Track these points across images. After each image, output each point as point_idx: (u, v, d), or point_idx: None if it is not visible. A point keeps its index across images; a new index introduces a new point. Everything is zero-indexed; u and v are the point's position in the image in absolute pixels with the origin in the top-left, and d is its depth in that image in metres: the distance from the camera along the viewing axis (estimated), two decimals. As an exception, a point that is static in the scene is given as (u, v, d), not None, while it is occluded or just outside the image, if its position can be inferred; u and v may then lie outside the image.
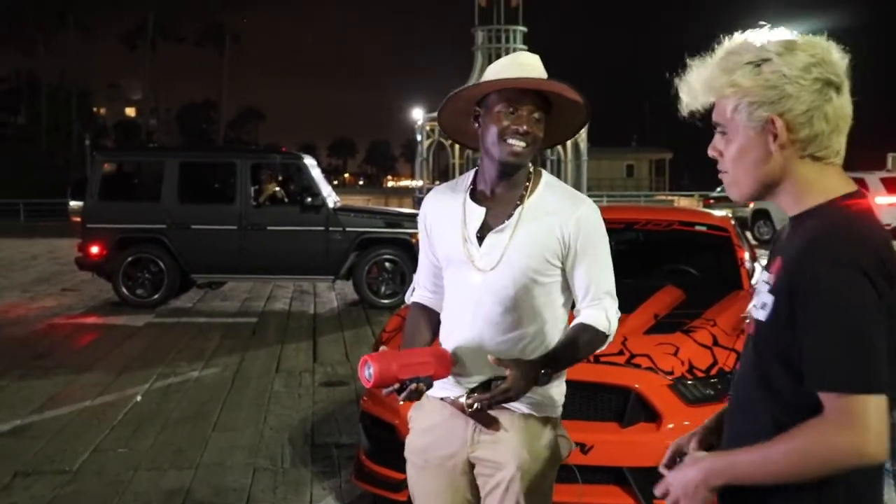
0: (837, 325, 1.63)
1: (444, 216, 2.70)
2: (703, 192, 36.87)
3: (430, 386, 2.50)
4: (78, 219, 12.59)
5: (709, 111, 1.87)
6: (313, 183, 12.23)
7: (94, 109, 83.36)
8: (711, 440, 2.04)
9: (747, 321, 1.92)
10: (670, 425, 4.15)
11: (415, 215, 11.11)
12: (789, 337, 1.69)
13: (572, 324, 2.62)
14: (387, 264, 12.07)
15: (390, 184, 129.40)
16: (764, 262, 1.99)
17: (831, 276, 1.64)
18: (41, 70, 64.61)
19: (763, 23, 1.84)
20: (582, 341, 2.57)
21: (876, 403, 1.62)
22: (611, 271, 2.65)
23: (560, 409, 2.72)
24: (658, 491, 1.85)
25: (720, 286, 5.61)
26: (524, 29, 37.37)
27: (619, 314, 2.65)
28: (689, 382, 4.29)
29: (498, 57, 37.66)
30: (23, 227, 32.66)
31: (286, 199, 12.51)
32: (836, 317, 1.63)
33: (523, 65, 2.56)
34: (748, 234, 22.27)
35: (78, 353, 9.17)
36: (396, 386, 2.44)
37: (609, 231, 7.28)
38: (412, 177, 49.98)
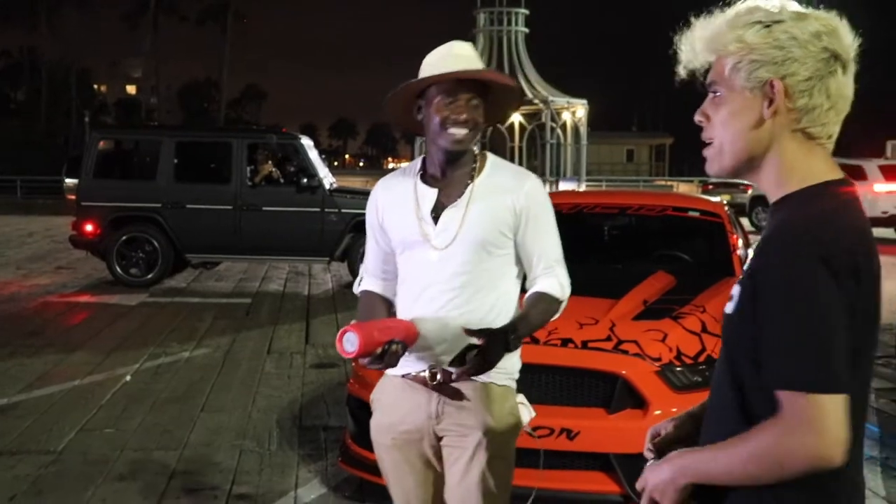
0: (795, 321, 1.54)
1: (397, 201, 2.81)
2: (703, 177, 36.80)
3: (405, 349, 2.59)
4: (73, 196, 12.55)
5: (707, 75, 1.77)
6: (309, 164, 12.18)
7: (95, 87, 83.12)
8: (689, 428, 1.96)
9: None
10: (657, 412, 4.11)
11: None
12: (752, 330, 1.61)
13: (529, 293, 2.78)
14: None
15: (391, 165, 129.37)
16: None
17: (793, 269, 1.55)
18: (43, 47, 64.36)
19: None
20: (541, 308, 2.73)
21: (833, 404, 1.53)
22: (559, 242, 2.80)
23: (515, 380, 2.84)
24: (638, 486, 1.81)
25: (712, 272, 5.56)
26: (526, 11, 37.19)
27: (569, 280, 2.79)
28: (678, 369, 4.26)
29: (500, 40, 37.56)
30: (20, 203, 32.60)
31: (282, 180, 12.46)
32: (795, 311, 1.54)
33: (458, 56, 2.70)
34: (746, 221, 22.23)
35: (69, 332, 9.14)
36: (378, 351, 2.51)
37: (602, 216, 7.23)
38: (412, 158, 49.82)
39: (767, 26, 1.65)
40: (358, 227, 11.97)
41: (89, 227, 12.16)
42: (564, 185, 31.69)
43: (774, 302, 1.57)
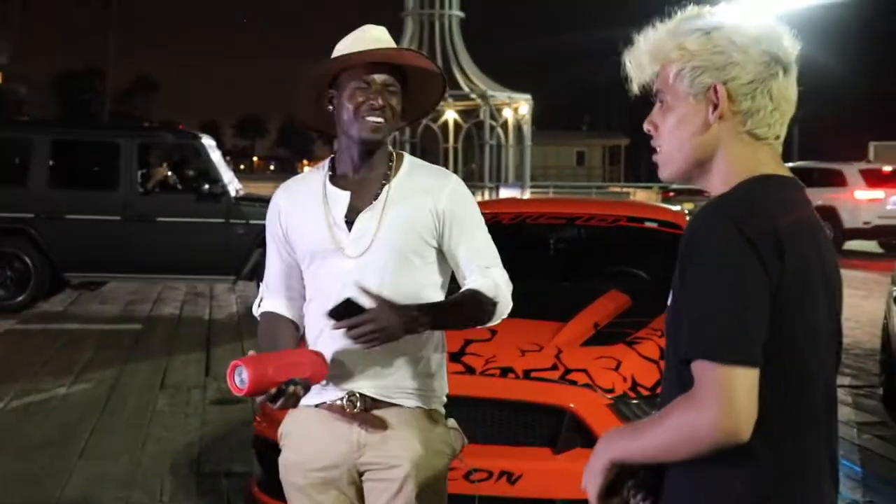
0: (708, 289, 1.74)
1: (303, 208, 2.84)
2: (664, 184, 37.40)
3: (307, 389, 2.60)
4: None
5: None
6: (212, 167, 12.11)
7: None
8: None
9: None
10: (610, 451, 4.15)
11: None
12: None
13: (458, 292, 2.81)
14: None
15: (306, 169, 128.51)
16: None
17: (712, 243, 1.76)
18: None
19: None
20: (467, 303, 2.75)
21: (743, 376, 1.70)
22: (491, 243, 2.87)
23: (443, 403, 2.89)
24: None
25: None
26: (461, -7, 37.39)
27: (510, 285, 2.84)
28: (633, 402, 4.31)
29: (431, 24, 37.70)
30: None
31: (179, 186, 12.35)
32: (711, 282, 1.74)
33: (373, 39, 2.77)
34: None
35: (-78, 366, 8.92)
36: (273, 391, 2.51)
37: (548, 227, 7.31)
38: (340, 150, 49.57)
39: (707, 33, 1.88)
40: (269, 241, 11.89)
41: (-55, 242, 11.90)
42: (506, 192, 31.90)
43: (691, 276, 1.77)
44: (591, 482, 1.90)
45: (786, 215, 1.83)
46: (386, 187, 2.80)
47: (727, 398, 1.69)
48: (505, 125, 38.04)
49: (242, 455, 6.15)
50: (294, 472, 2.82)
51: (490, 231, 2.95)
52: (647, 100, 2.03)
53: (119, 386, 8.21)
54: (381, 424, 2.75)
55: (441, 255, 2.84)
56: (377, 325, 2.54)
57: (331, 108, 2.80)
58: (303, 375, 2.56)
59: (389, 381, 2.76)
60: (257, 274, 11.99)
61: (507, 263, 2.90)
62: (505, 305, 2.82)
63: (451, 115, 37.94)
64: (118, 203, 11.92)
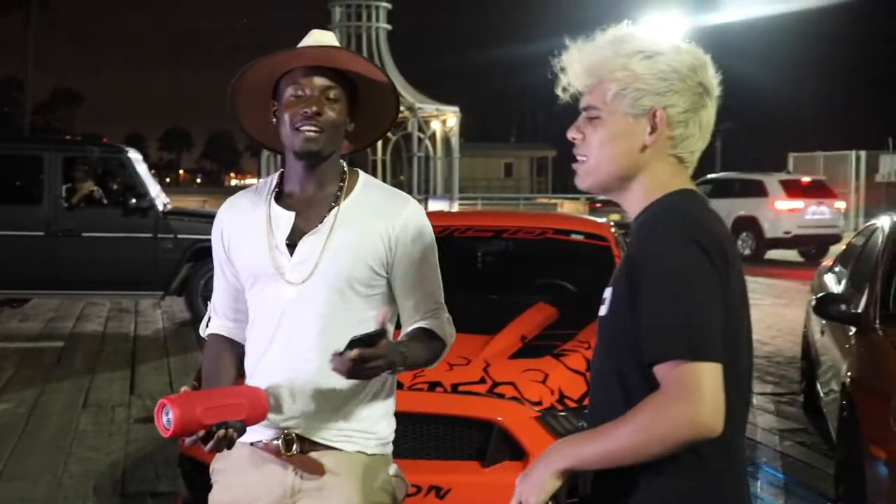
0: (670, 294, 1.83)
1: (246, 226, 2.64)
2: (591, 195, 37.78)
3: (242, 432, 2.40)
4: None
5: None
6: (139, 181, 11.95)
7: None
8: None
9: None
10: (538, 464, 4.16)
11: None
12: (631, 321, 1.87)
13: (410, 328, 2.63)
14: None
15: (233, 182, 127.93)
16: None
17: (665, 249, 1.86)
18: None
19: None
20: (427, 345, 2.60)
21: (710, 372, 1.79)
22: (440, 280, 2.70)
23: (391, 446, 2.72)
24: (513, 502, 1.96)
25: (598, 303, 5.68)
26: (388, 5, 37.43)
27: (453, 328, 2.71)
28: (560, 414, 4.33)
29: (359, 37, 37.62)
30: None
31: (106, 201, 12.16)
32: (669, 285, 1.83)
33: (313, 42, 2.55)
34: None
35: None
36: (201, 434, 2.31)
37: (475, 240, 7.31)
38: (259, 174, 49.57)
39: (650, 56, 1.98)
40: (198, 255, 11.77)
41: None
42: (434, 205, 31.94)
43: (649, 283, 1.85)
44: (533, 493, 1.91)
45: (719, 226, 1.96)
46: (334, 209, 2.57)
47: (700, 393, 1.77)
48: (433, 137, 38.11)
49: (168, 474, 6.06)
50: None
51: None
52: (574, 111, 2.08)
53: (40, 405, 8.03)
54: (318, 470, 2.54)
55: (389, 286, 2.62)
56: (384, 361, 2.34)
57: (275, 120, 2.59)
58: (237, 417, 2.36)
59: (329, 423, 2.55)
60: (187, 289, 11.87)
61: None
62: (446, 350, 2.69)
63: (378, 128, 37.89)
64: (42, 218, 11.69)
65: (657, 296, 1.84)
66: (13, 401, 8.18)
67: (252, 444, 2.59)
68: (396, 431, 3.96)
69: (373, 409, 2.62)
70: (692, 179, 2.09)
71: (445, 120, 37.93)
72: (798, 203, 21.93)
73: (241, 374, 2.73)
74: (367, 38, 36.98)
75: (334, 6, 37.68)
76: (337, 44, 2.60)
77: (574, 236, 6.38)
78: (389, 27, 37.59)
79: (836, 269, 8.01)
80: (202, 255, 11.79)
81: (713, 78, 2.04)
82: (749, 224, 22.00)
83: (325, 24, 38.00)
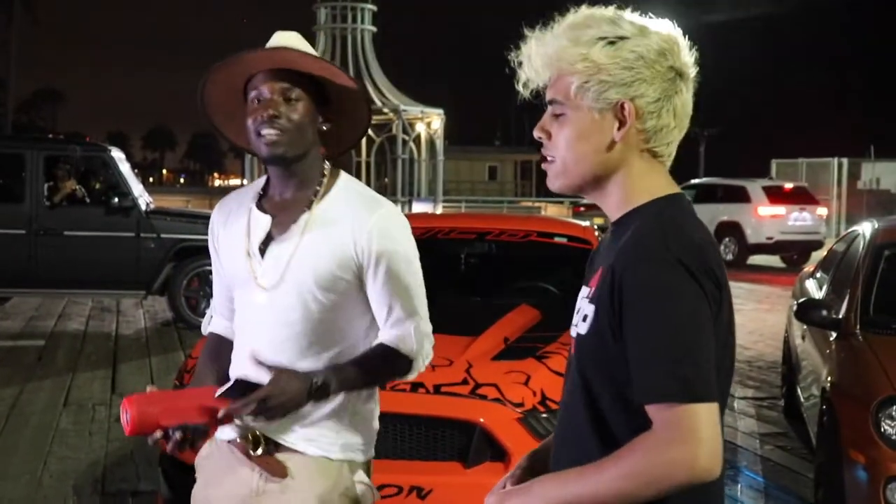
0: (663, 330, 1.69)
1: (229, 230, 2.66)
2: (574, 198, 37.86)
3: (204, 435, 2.43)
4: None
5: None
6: (121, 180, 11.90)
7: None
8: (540, 468, 2.05)
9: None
10: (520, 465, 4.17)
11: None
12: (613, 349, 1.75)
13: (374, 343, 2.60)
14: (210, 276, 11.82)
15: (217, 182, 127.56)
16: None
17: (657, 277, 1.71)
18: None
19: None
20: (376, 361, 2.57)
21: (707, 413, 1.67)
22: (420, 287, 2.62)
23: (369, 454, 2.70)
24: None
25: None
26: (373, 8, 37.44)
27: (431, 339, 2.65)
28: (542, 416, 4.34)
29: (344, 39, 37.58)
30: None
31: (88, 199, 12.11)
32: (662, 321, 1.69)
33: (275, 44, 2.52)
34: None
35: None
36: (158, 434, 2.34)
37: (459, 242, 7.31)
38: (242, 175, 49.44)
39: (612, 43, 1.80)
40: (180, 255, 11.74)
41: None
42: (419, 207, 31.97)
43: (639, 312, 1.71)
44: None
45: (713, 252, 1.80)
46: (305, 214, 2.54)
47: (699, 435, 1.66)
48: (417, 139, 38.12)
49: (149, 473, 6.04)
50: None
51: None
52: (531, 99, 1.95)
53: (20, 404, 7.99)
54: (282, 472, 2.54)
55: (363, 291, 2.59)
56: (276, 399, 2.36)
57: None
58: (197, 420, 2.37)
59: (293, 426, 2.54)
60: (169, 288, 11.84)
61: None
62: (423, 358, 2.64)
63: (363, 130, 37.88)
64: (23, 217, 11.63)
65: (647, 329, 1.70)
66: (-7, 399, 8.14)
67: (229, 441, 2.62)
68: (380, 432, 3.96)
69: (340, 417, 2.59)
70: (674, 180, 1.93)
71: (430, 122, 37.95)
72: (780, 209, 22.03)
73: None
74: (352, 40, 36.98)
75: (319, 8, 37.68)
76: (302, 43, 2.56)
77: (557, 239, 6.40)
78: (375, 29, 37.59)
79: (818, 274, 8.06)
80: (185, 254, 11.77)
81: (687, 58, 1.85)
82: (732, 229, 22.08)
83: (310, 26, 37.99)
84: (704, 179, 27.08)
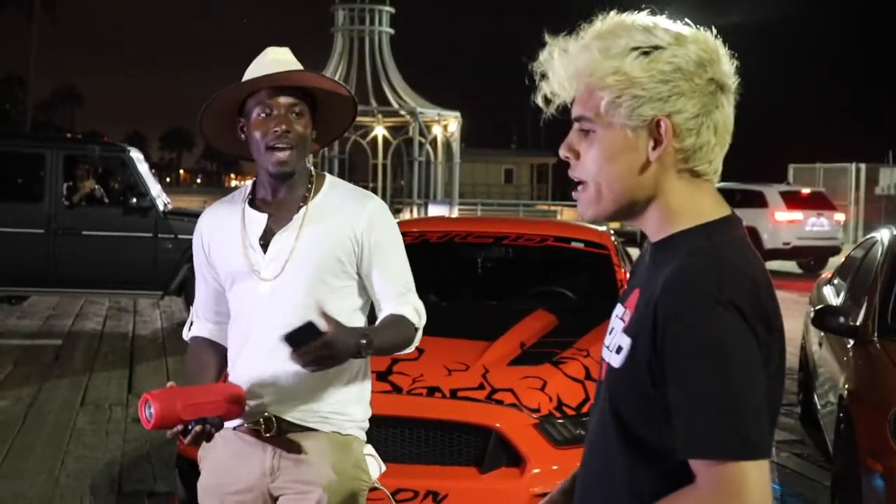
0: (712, 381, 1.55)
1: (223, 229, 2.83)
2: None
3: (219, 427, 2.57)
4: None
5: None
6: (140, 180, 11.94)
7: None
8: None
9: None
10: (536, 470, 4.17)
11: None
12: (650, 390, 1.62)
13: (383, 316, 2.79)
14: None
15: (233, 183, 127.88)
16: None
17: (705, 320, 1.56)
18: None
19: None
20: (397, 328, 2.75)
21: (756, 471, 1.54)
22: (408, 268, 2.85)
23: (364, 431, 2.87)
24: None
25: (597, 311, 5.68)
26: (391, 9, 37.51)
27: (424, 309, 2.84)
28: (558, 421, 4.34)
29: (361, 40, 37.61)
30: None
31: (106, 199, 12.16)
32: (711, 370, 1.55)
33: (276, 62, 2.72)
34: (637, 252, 22.80)
35: None
36: (180, 428, 2.49)
37: (475, 246, 7.32)
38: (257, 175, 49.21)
39: (647, 53, 1.64)
40: (197, 256, 11.75)
41: None
42: (434, 210, 31.96)
43: (685, 357, 1.56)
44: None
45: (766, 288, 1.66)
46: (303, 208, 2.76)
47: (747, 496, 1.53)
48: (434, 142, 38.14)
49: (165, 474, 6.06)
50: (210, 496, 2.83)
51: (418, 250, 2.98)
52: (556, 116, 1.79)
53: (38, 403, 8.02)
54: (295, 449, 2.73)
55: (359, 278, 2.81)
56: (331, 350, 2.47)
57: (243, 136, 2.76)
58: (214, 414, 2.53)
59: (305, 406, 2.74)
60: (185, 289, 11.85)
61: (435, 282, 2.91)
62: (419, 332, 2.83)
63: (380, 132, 37.96)
64: (43, 216, 11.68)
65: (695, 379, 1.55)
66: (10, 398, 8.17)
67: (234, 428, 2.76)
68: (395, 436, 3.99)
69: (347, 394, 2.79)
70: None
71: (447, 125, 37.96)
72: (798, 214, 21.94)
73: (223, 370, 2.90)
74: (369, 42, 37.03)
75: (337, 10, 37.77)
76: (293, 58, 2.78)
77: (574, 244, 6.39)
78: (392, 31, 37.64)
79: (835, 281, 8.02)
80: (202, 255, 11.78)
81: (728, 68, 1.69)
82: (749, 234, 21.94)
83: (327, 28, 38.07)
84: (721, 184, 26.86)
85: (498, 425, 4.28)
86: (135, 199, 11.77)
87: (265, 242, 2.75)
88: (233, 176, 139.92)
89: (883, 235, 6.84)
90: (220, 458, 2.79)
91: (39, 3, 60.62)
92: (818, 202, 22.82)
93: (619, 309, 1.78)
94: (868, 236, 7.82)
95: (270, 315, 2.70)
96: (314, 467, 2.72)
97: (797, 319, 12.26)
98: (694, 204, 1.71)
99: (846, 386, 5.40)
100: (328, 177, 2.87)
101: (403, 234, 3.02)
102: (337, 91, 2.82)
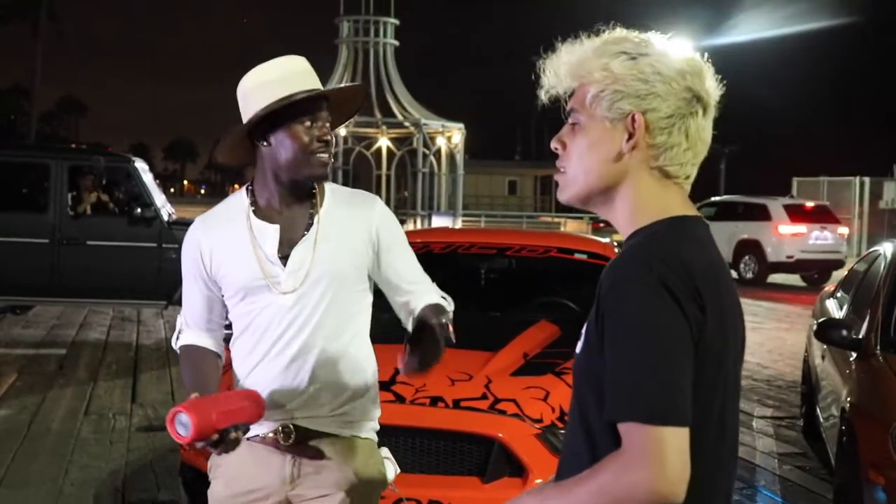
0: (636, 348, 1.68)
1: (228, 243, 2.79)
2: (594, 214, 37.73)
3: (247, 431, 2.56)
4: None
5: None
6: (144, 190, 11.95)
7: None
8: None
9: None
10: (538, 480, 4.18)
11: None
12: (598, 366, 1.74)
13: (418, 309, 2.78)
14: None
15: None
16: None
17: (634, 296, 1.70)
18: None
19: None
20: (444, 313, 2.77)
21: (673, 437, 1.65)
22: (417, 261, 2.92)
23: (377, 430, 2.90)
24: None
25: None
26: (396, 21, 37.58)
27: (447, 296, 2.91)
28: (561, 431, 4.34)
29: (366, 52, 37.67)
30: None
31: (112, 209, 12.19)
32: (636, 339, 1.68)
33: (306, 72, 2.76)
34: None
35: None
36: (215, 438, 2.43)
37: (479, 257, 7.32)
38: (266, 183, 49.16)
39: (633, 58, 1.83)
40: (201, 266, 11.77)
41: None
42: (438, 221, 31.98)
43: (615, 329, 1.71)
44: None
45: (706, 275, 1.77)
46: (315, 218, 2.78)
47: (661, 460, 1.64)
48: (438, 153, 38.19)
49: (169, 483, 6.08)
50: None
51: (421, 260, 2.99)
52: (550, 105, 1.98)
53: (42, 412, 8.04)
54: (316, 455, 2.74)
55: (370, 279, 2.86)
56: (441, 352, 2.56)
57: (265, 145, 2.73)
58: (244, 420, 2.51)
59: (324, 411, 2.76)
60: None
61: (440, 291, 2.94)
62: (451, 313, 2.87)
63: (384, 143, 38.03)
64: (48, 226, 11.70)
65: (621, 350, 1.69)
66: (15, 407, 8.19)
67: (248, 438, 2.71)
68: (398, 445, 4.01)
69: (364, 395, 2.83)
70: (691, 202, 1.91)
71: (450, 136, 38.01)
72: (801, 228, 21.95)
73: (219, 377, 2.88)
74: (374, 53, 37.10)
75: (342, 21, 37.84)
76: (309, 65, 2.80)
77: (577, 255, 6.41)
78: (396, 43, 37.71)
79: (838, 294, 8.03)
80: (206, 265, 11.80)
81: (710, 88, 1.87)
82: (752, 247, 22.04)
83: (332, 39, 38.14)
84: (725, 197, 27.01)
85: (501, 435, 4.30)
86: (139, 210, 11.77)
87: (282, 255, 2.74)
88: (236, 186, 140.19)
89: (886, 249, 6.86)
90: (236, 467, 2.77)
91: (45, 15, 60.83)
92: (822, 215, 22.83)
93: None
94: (871, 250, 7.84)
95: (293, 326, 2.73)
96: (336, 473, 2.74)
97: (800, 332, 12.30)
98: (660, 201, 1.86)
99: (848, 399, 5.41)
100: (326, 184, 2.88)
101: None
102: (357, 105, 2.96)
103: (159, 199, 12.22)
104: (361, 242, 2.79)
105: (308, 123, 2.70)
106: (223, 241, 2.79)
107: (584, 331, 1.86)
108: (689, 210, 1.88)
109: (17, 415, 7.92)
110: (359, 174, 42.63)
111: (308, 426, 2.75)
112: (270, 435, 2.74)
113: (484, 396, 4.43)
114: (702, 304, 1.73)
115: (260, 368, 2.77)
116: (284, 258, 2.74)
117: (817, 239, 22.07)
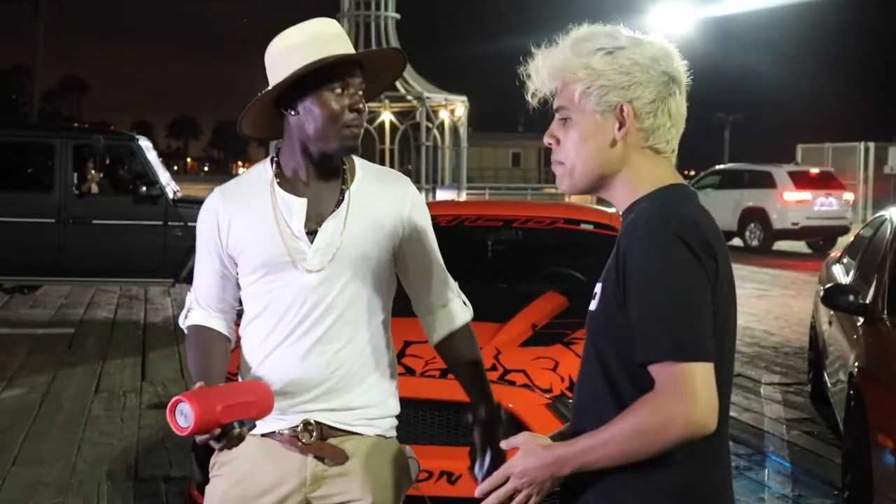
0: (663, 297, 1.85)
1: (250, 216, 2.57)
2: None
3: (252, 429, 2.38)
4: None
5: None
6: (149, 168, 11.96)
7: None
8: None
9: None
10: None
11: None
12: (619, 318, 1.91)
13: (447, 331, 2.74)
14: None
15: (240, 170, 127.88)
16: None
17: (655, 249, 1.88)
18: None
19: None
20: (478, 360, 2.83)
21: (703, 371, 1.83)
22: (439, 253, 2.78)
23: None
24: (499, 474, 2.01)
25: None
26: (397, -6, 37.38)
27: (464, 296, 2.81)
28: (570, 401, 4.36)
29: (367, 27, 37.58)
30: None
31: (117, 188, 12.20)
32: (660, 286, 1.86)
33: (339, 35, 2.56)
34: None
35: None
36: (217, 432, 2.24)
37: (486, 229, 7.33)
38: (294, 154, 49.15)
39: (610, 52, 2.00)
40: (206, 243, 11.78)
41: None
42: (442, 194, 31.96)
43: (639, 283, 1.88)
44: (535, 493, 1.96)
45: (710, 229, 1.96)
46: (347, 194, 2.58)
47: (694, 393, 1.81)
48: (441, 127, 38.06)
49: (181, 459, 6.12)
50: None
51: None
52: (540, 107, 2.13)
53: (53, 391, 8.09)
54: (340, 455, 2.55)
55: (395, 261, 2.67)
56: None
57: (293, 114, 2.52)
58: (251, 415, 2.32)
59: (352, 408, 2.58)
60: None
61: (446, 265, 2.87)
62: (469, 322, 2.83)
63: (387, 117, 37.90)
64: (53, 205, 11.71)
65: (647, 297, 1.86)
66: (26, 386, 8.24)
67: (263, 435, 2.55)
68: (409, 417, 4.00)
69: (389, 388, 2.68)
70: (678, 172, 2.09)
71: (454, 109, 37.89)
72: (806, 194, 21.93)
73: (227, 362, 2.67)
74: (375, 27, 36.93)
75: (343, -6, 37.62)
76: (341, 28, 2.60)
77: (584, 226, 6.41)
78: (398, 16, 37.54)
79: (844, 260, 8.04)
80: (212, 242, 11.81)
81: (680, 67, 2.05)
82: (757, 215, 22.02)
83: (333, 13, 37.99)
84: (729, 165, 26.98)
85: (511, 406, 4.31)
86: (144, 188, 11.78)
87: (309, 230, 2.54)
88: (240, 163, 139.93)
89: (892, 214, 6.86)
90: (248, 466, 2.56)
91: (45, -7, 60.52)
92: (827, 182, 22.80)
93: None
94: (877, 215, 7.83)
95: (318, 308, 2.53)
96: (361, 477, 2.56)
97: (806, 299, 12.30)
98: (653, 175, 2.04)
99: (856, 363, 5.43)
100: (356, 159, 2.68)
101: None
102: (394, 73, 2.75)
103: (164, 176, 12.23)
104: (392, 224, 2.61)
105: (339, 90, 2.49)
106: (243, 214, 2.57)
107: (598, 290, 2.01)
108: (679, 179, 2.07)
109: (29, 394, 7.97)
110: (362, 149, 42.52)
111: (330, 422, 2.56)
112: (288, 431, 2.54)
113: (493, 367, 4.44)
114: (713, 254, 1.91)
115: (276, 355, 2.56)
116: (311, 234, 2.54)
117: (822, 205, 22.05)
